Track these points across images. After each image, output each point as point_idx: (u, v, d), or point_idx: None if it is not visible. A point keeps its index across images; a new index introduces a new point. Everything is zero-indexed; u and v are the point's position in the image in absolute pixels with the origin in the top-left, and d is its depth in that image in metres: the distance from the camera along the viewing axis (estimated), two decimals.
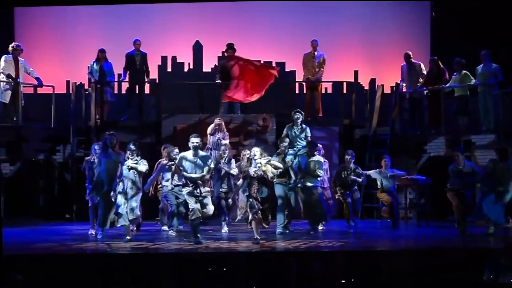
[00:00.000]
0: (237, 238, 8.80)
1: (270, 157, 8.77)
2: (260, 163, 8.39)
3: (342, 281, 6.81)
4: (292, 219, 9.36)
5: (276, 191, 9.05)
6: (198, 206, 8.00)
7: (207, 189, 8.27)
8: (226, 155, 9.59)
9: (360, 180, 9.77)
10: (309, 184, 9.15)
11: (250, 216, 8.32)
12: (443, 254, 7.66)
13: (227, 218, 9.61)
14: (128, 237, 8.47)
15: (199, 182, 8.09)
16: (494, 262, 6.48)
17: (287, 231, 9.05)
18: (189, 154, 8.13)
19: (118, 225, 8.55)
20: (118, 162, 8.54)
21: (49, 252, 7.78)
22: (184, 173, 8.10)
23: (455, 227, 9.40)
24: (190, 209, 8.02)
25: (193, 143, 8.08)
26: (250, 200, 8.33)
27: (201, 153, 8.25)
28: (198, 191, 8.05)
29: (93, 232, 9.14)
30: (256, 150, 8.50)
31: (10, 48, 10.90)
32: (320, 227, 9.54)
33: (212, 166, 8.34)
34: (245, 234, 9.05)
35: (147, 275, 6.95)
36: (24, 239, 8.84)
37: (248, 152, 9.14)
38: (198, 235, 8.08)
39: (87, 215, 9.56)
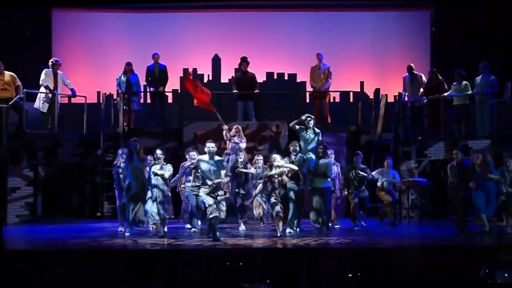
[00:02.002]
0: (253, 235, 8.81)
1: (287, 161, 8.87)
2: (279, 166, 8.54)
3: (349, 275, 6.80)
4: (301, 219, 9.35)
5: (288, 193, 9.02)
6: (215, 205, 8.01)
7: (222, 192, 8.25)
8: (242, 159, 9.59)
9: (366, 174, 9.54)
10: (318, 185, 9.01)
11: (274, 215, 8.53)
12: (443, 251, 7.62)
13: (244, 217, 9.64)
14: (161, 233, 8.63)
15: (217, 185, 8.11)
16: (491, 259, 6.42)
17: (297, 230, 8.94)
18: (205, 157, 8.15)
19: (150, 224, 8.74)
20: (143, 167, 8.65)
21: (81, 247, 7.84)
22: (205, 178, 8.11)
23: (454, 226, 9.34)
24: (208, 208, 8.02)
25: (208, 148, 8.09)
26: (273, 201, 8.52)
27: (217, 157, 8.23)
28: (215, 194, 8.07)
29: (122, 229, 9.19)
30: (276, 156, 8.71)
31: (50, 63, 11.05)
32: (336, 226, 9.50)
33: (225, 170, 8.39)
34: (260, 232, 9.08)
35: (170, 269, 6.99)
36: (59, 235, 8.96)
37: (261, 157, 9.39)
38: (217, 233, 8.08)
39: (116, 214, 9.65)
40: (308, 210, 9.34)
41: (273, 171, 8.61)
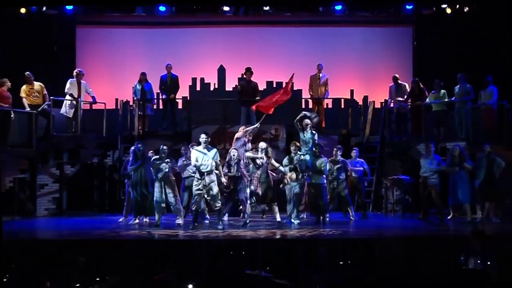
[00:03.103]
0: (254, 227, 8.81)
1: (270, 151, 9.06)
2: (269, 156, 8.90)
3: (341, 263, 6.83)
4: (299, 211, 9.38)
5: (288, 188, 9.02)
6: (198, 197, 8.30)
7: (213, 178, 8.38)
8: (235, 157, 9.28)
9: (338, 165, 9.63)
10: (315, 181, 9.02)
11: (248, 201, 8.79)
12: (423, 240, 7.69)
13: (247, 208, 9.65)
14: (179, 222, 8.76)
15: (205, 172, 8.32)
16: (467, 247, 6.46)
17: (296, 221, 8.93)
18: (199, 148, 8.46)
19: (159, 215, 8.78)
20: (147, 167, 8.84)
21: (102, 238, 7.90)
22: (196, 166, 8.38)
23: (434, 218, 9.42)
24: (193, 197, 8.35)
25: (202, 138, 8.46)
26: (251, 187, 8.76)
27: (211, 148, 8.54)
28: (204, 181, 8.28)
29: (122, 219, 9.44)
30: (263, 144, 8.96)
31: (74, 73, 11.13)
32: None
33: (216, 158, 8.46)
34: (261, 224, 9.10)
35: (180, 257, 7.01)
36: (82, 227, 9.01)
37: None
38: (196, 223, 8.43)
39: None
40: (306, 204, 9.39)
41: (259, 154, 8.86)
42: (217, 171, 8.51)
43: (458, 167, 9.29)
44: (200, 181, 8.35)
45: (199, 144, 8.64)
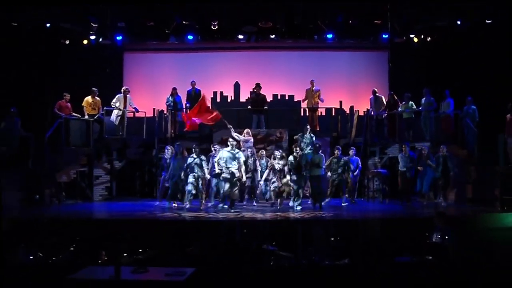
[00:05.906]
0: (263, 211, 8.85)
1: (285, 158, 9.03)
2: (283, 156, 8.92)
3: (332, 239, 6.86)
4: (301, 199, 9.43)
5: (293, 180, 9.05)
6: (228, 188, 8.51)
7: (237, 175, 8.53)
8: (252, 155, 9.55)
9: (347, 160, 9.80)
10: (315, 173, 8.97)
11: (272, 189, 8.90)
12: (397, 220, 7.72)
13: (256, 197, 9.74)
14: (202, 206, 8.85)
15: (233, 170, 8.47)
16: (431, 225, 6.45)
17: (299, 207, 8.96)
18: (227, 149, 8.62)
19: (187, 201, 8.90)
20: (184, 163, 8.87)
21: (142, 218, 7.97)
22: (225, 164, 8.50)
23: (400, 202, 9.47)
24: (222, 189, 8.58)
25: (230, 141, 8.66)
26: (273, 180, 8.87)
27: (236, 150, 8.65)
28: (232, 177, 8.47)
29: (158, 202, 9.54)
30: (277, 152, 9.02)
31: (122, 90, 11.30)
32: (323, 203, 9.52)
33: (242, 159, 8.61)
34: (268, 208, 9.12)
35: (204, 234, 7.06)
36: (127, 209, 9.07)
37: (264, 152, 9.61)
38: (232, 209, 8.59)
39: (165, 195, 9.77)
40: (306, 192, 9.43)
41: (276, 161, 8.85)
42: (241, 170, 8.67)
43: (424, 164, 9.41)
44: (227, 174, 8.53)
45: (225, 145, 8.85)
